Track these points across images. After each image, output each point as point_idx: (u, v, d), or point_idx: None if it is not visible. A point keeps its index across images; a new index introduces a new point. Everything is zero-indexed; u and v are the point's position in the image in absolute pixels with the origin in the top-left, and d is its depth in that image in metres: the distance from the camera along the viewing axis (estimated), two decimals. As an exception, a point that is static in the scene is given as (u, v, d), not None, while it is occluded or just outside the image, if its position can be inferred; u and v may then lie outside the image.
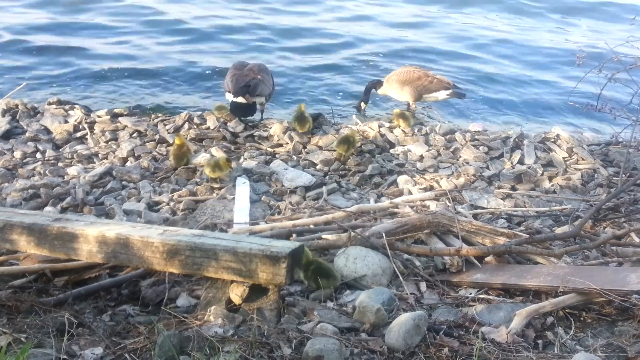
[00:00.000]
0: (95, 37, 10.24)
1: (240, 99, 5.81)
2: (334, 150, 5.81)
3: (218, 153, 5.60)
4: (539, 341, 2.89)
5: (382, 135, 6.22)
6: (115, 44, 10.01)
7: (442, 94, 7.57)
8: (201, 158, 5.49)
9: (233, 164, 5.20)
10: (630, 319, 3.04)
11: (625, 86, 6.26)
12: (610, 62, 6.15)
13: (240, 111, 5.99)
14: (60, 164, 5.52)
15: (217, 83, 8.63)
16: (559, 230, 4.34)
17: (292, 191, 5.05)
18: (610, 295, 3.01)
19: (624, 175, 5.40)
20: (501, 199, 5.10)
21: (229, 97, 6.01)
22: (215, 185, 5.06)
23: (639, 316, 2.99)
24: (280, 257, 2.68)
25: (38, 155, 5.70)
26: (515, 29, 12.79)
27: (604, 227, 4.58)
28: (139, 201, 4.85)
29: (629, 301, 3.05)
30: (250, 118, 6.30)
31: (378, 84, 7.55)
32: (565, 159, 6.01)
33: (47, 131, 6.16)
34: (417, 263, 3.62)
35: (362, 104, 7.51)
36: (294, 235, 3.89)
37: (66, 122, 6.30)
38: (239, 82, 5.85)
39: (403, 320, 2.66)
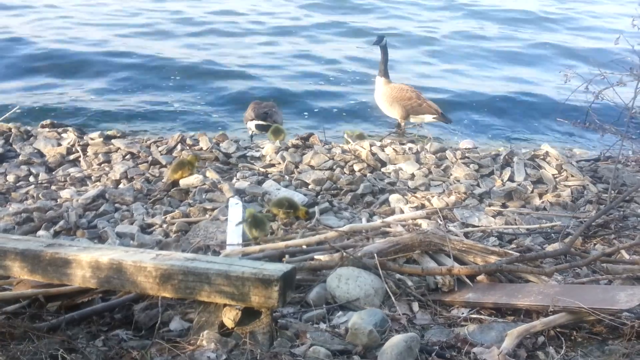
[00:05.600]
0: (83, 57, 10.32)
1: (261, 122, 7.44)
2: (327, 170, 5.85)
3: (211, 174, 5.63)
4: (531, 361, 2.91)
5: (374, 154, 6.25)
6: (106, 62, 10.08)
7: (428, 117, 7.84)
8: (193, 179, 5.51)
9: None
10: (620, 337, 3.07)
11: (612, 102, 6.34)
12: (597, 79, 6.25)
13: (262, 130, 7.38)
14: (53, 187, 5.52)
15: (206, 108, 8.73)
16: (550, 247, 4.36)
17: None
18: (600, 314, 3.04)
19: (613, 192, 5.44)
20: (492, 216, 5.13)
21: (251, 123, 7.45)
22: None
23: (629, 335, 3.02)
24: (273, 280, 2.70)
25: (31, 179, 5.71)
26: (502, 44, 12.96)
27: (594, 244, 4.61)
28: (131, 224, 4.84)
29: (618, 320, 3.08)
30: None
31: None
32: (555, 175, 6.05)
33: (40, 154, 6.18)
34: (410, 283, 3.63)
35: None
36: (287, 256, 3.90)
37: (59, 144, 6.32)
38: (259, 110, 7.50)
39: (395, 342, 2.69)
